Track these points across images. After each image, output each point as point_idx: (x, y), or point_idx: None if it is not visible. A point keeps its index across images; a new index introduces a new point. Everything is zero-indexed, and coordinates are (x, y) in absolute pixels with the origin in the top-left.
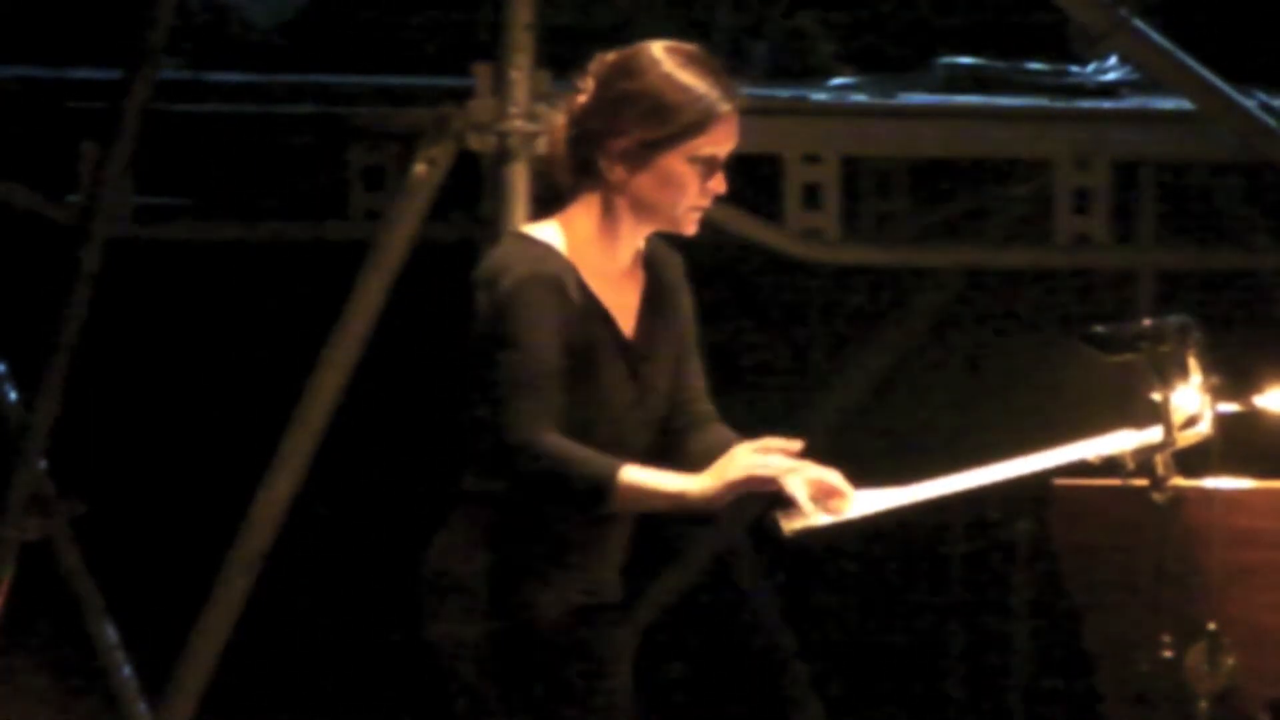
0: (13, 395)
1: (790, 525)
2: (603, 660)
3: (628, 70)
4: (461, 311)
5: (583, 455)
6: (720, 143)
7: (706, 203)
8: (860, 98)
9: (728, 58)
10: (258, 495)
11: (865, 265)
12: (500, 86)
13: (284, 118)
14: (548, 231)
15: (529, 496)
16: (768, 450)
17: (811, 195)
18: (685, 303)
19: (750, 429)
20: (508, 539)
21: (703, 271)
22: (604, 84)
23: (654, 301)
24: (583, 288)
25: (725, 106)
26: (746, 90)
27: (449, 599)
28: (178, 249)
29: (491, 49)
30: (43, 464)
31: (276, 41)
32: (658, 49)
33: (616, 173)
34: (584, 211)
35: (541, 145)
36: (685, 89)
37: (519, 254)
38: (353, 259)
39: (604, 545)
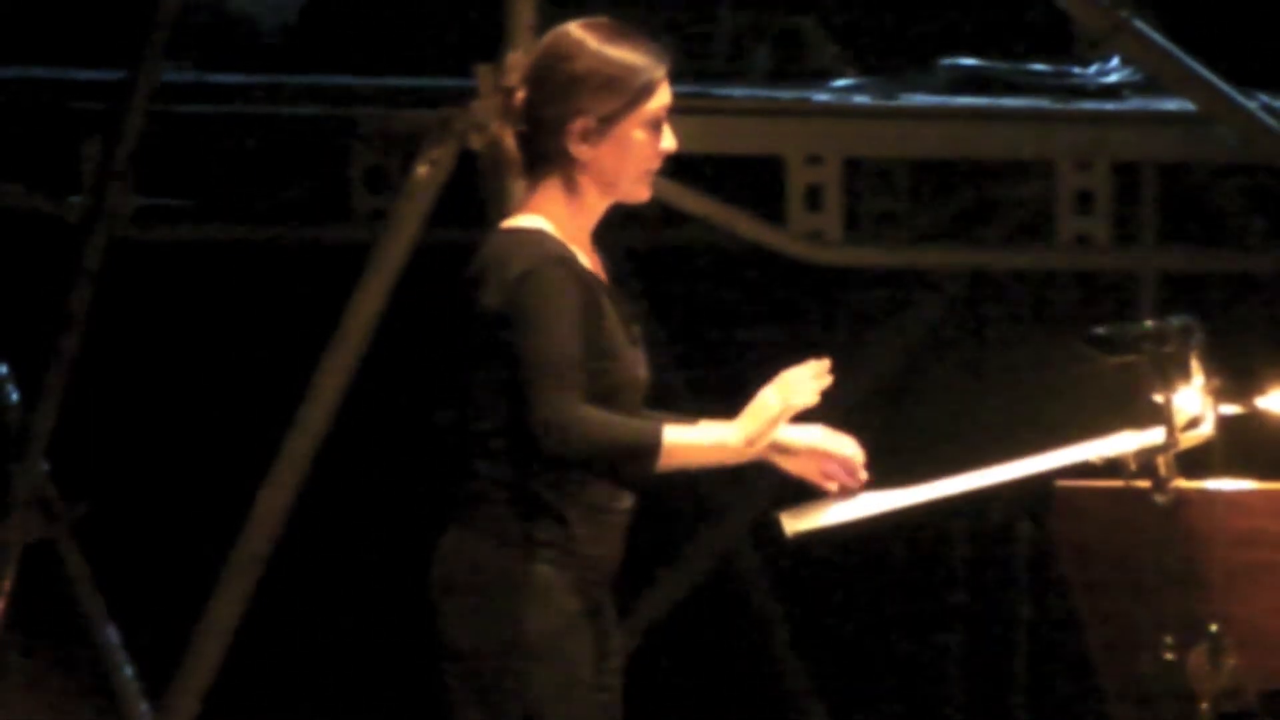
0: (14, 397)
1: (793, 526)
2: (602, 658)
3: (562, 55)
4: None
5: (621, 422)
6: (663, 103)
7: (659, 164)
8: (862, 99)
9: (730, 59)
10: (259, 497)
11: (867, 266)
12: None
13: (286, 119)
14: (531, 220)
15: (581, 470)
16: (787, 385)
17: (814, 196)
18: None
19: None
20: (514, 536)
21: (704, 272)
22: (543, 74)
23: (609, 275)
24: (581, 265)
25: (661, 68)
26: (749, 92)
27: (456, 597)
28: (180, 250)
29: (493, 50)
30: (44, 466)
31: (278, 43)
32: (577, 30)
33: (582, 151)
34: (550, 197)
35: (484, 140)
36: (623, 60)
37: (517, 244)
38: (355, 260)
39: (607, 539)
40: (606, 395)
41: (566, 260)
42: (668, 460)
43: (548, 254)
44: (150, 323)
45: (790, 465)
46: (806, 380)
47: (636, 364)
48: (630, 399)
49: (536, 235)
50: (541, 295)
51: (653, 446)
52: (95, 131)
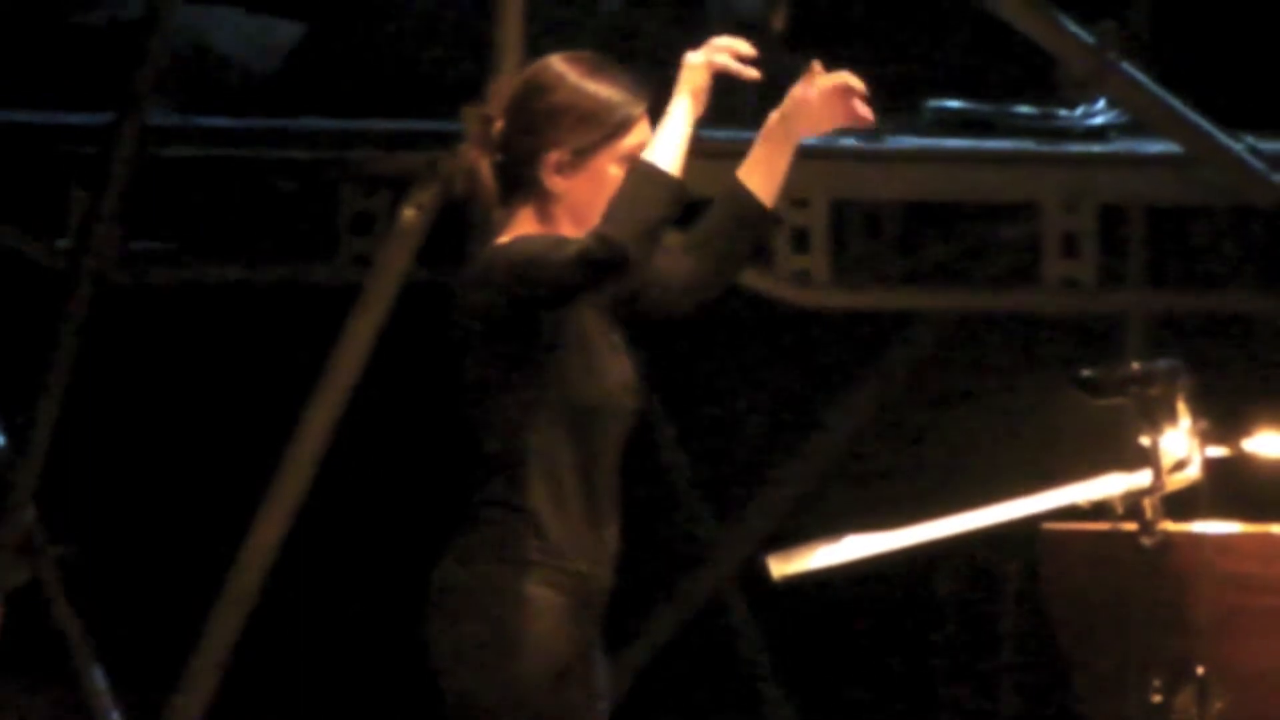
0: (1, 440)
1: (781, 569)
2: (590, 696)
3: (541, 87)
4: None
5: (618, 200)
6: (641, 140)
7: None
8: (848, 141)
9: (716, 101)
10: (248, 537)
11: (854, 309)
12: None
13: (273, 162)
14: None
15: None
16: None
17: (800, 239)
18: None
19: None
20: (508, 555)
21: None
22: (521, 105)
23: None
24: None
25: (639, 105)
26: (735, 135)
27: (451, 621)
28: (168, 293)
29: (481, 93)
30: (32, 509)
31: (265, 86)
32: (559, 62)
33: (556, 183)
34: (525, 227)
35: (464, 182)
36: (601, 94)
37: (496, 252)
38: (343, 302)
39: (598, 560)
40: (590, 404)
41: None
42: (674, 164)
43: (512, 241)
44: (138, 365)
45: (812, 118)
46: (728, 44)
47: (619, 370)
48: (616, 406)
49: (509, 243)
50: (509, 249)
51: (655, 177)
52: (83, 175)
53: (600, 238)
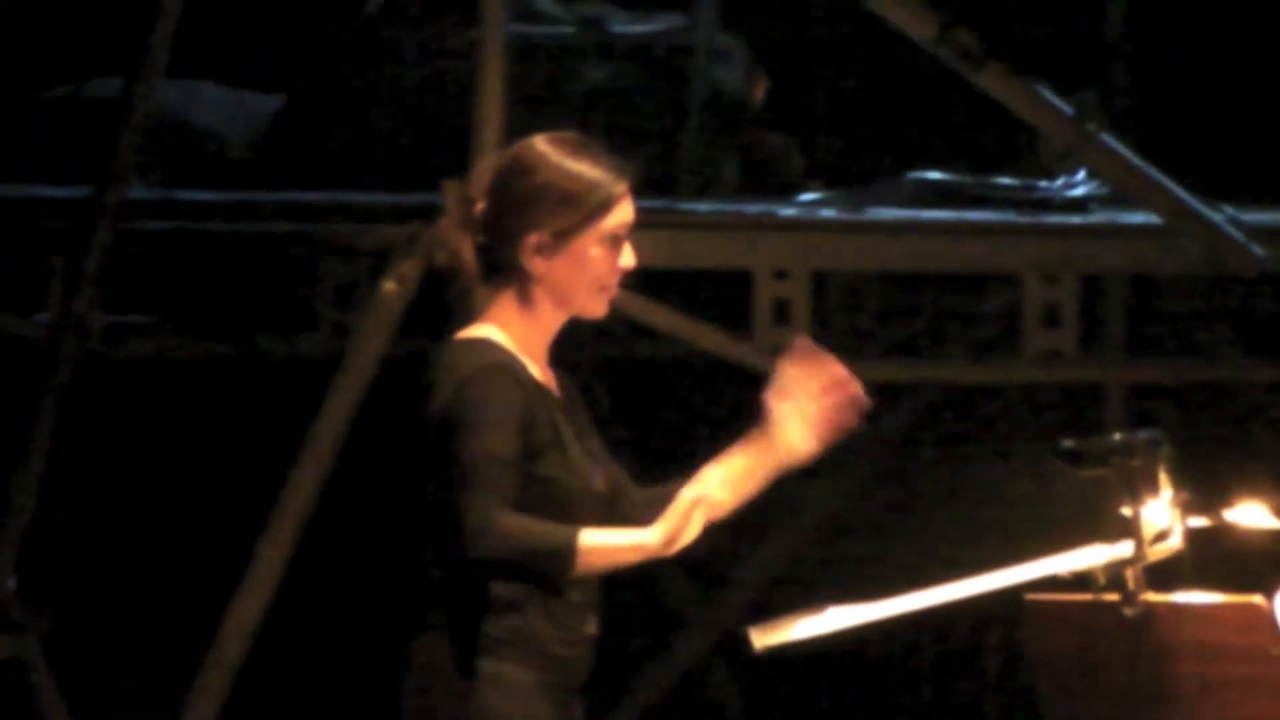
0: None
1: (762, 641)
2: None
3: (522, 169)
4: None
5: (540, 527)
6: (622, 220)
7: (616, 280)
8: (829, 213)
9: (697, 173)
10: (230, 608)
11: None
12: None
13: (254, 235)
14: (483, 330)
15: (494, 577)
16: (705, 481)
17: (780, 310)
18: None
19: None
20: (478, 636)
21: (673, 385)
22: (502, 186)
23: (566, 391)
24: (529, 374)
25: (621, 185)
26: (716, 206)
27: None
28: (148, 366)
29: (461, 166)
30: (12, 581)
31: (245, 159)
32: (541, 143)
33: (537, 265)
34: (505, 309)
35: (444, 255)
36: (582, 176)
37: (463, 352)
38: (323, 374)
39: (573, 642)
40: (559, 506)
41: (509, 367)
42: (585, 563)
43: (489, 361)
44: (119, 438)
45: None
46: (723, 478)
47: (592, 477)
48: (586, 512)
49: (481, 344)
50: (477, 399)
51: (568, 550)
52: (63, 249)
53: (480, 542)
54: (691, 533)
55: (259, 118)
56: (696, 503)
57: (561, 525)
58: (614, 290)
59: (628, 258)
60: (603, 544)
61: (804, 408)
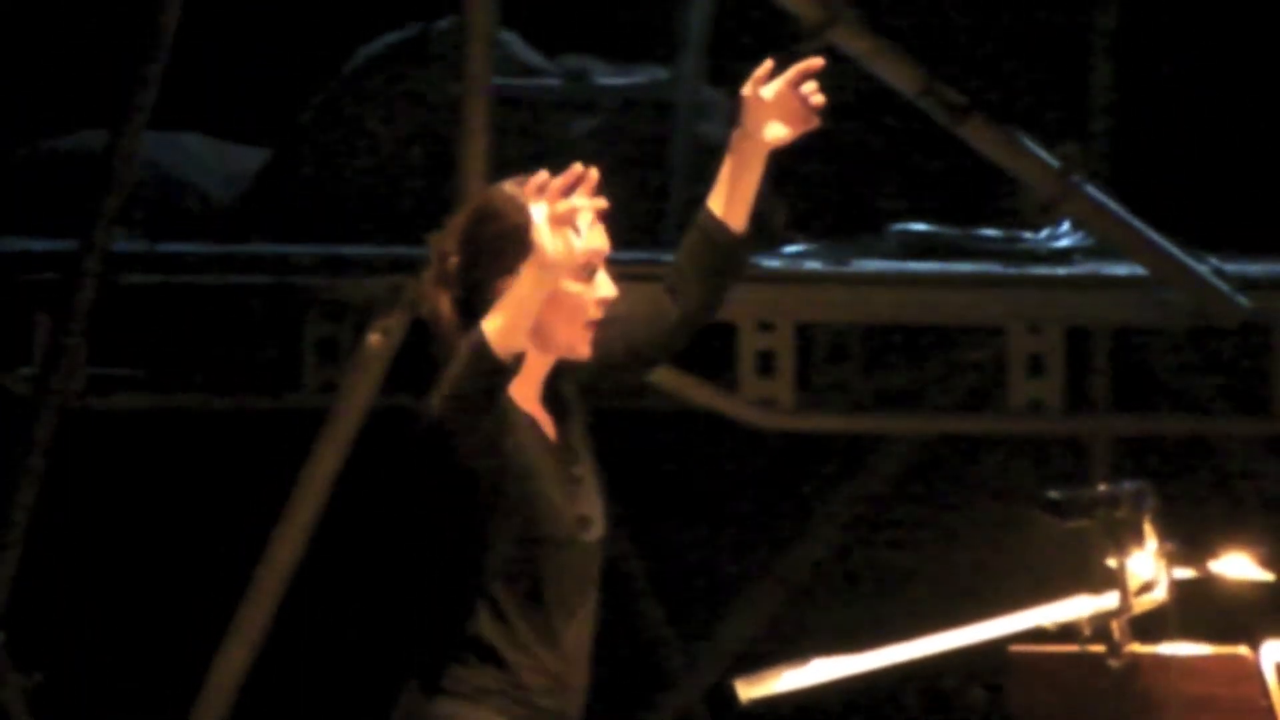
0: None
1: (748, 692)
2: None
3: (487, 215)
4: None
5: (453, 364)
6: (593, 249)
7: (599, 313)
8: (813, 264)
9: (681, 225)
10: (215, 664)
11: (819, 432)
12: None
13: (237, 288)
14: None
15: (481, 622)
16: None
17: (765, 362)
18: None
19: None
20: (463, 687)
21: (660, 442)
22: (470, 237)
23: (564, 436)
24: (516, 405)
25: (586, 215)
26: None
27: None
28: (132, 420)
29: (445, 217)
30: None
31: (230, 212)
32: (504, 188)
33: None
34: None
35: (426, 310)
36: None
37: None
38: (308, 428)
39: (558, 691)
40: (538, 536)
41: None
42: (502, 334)
43: None
44: (103, 492)
45: (769, 122)
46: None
47: (577, 503)
48: (567, 538)
49: None
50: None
51: (480, 342)
52: (47, 302)
53: (429, 410)
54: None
55: (243, 170)
56: (544, 224)
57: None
58: (596, 324)
59: (605, 287)
60: (497, 314)
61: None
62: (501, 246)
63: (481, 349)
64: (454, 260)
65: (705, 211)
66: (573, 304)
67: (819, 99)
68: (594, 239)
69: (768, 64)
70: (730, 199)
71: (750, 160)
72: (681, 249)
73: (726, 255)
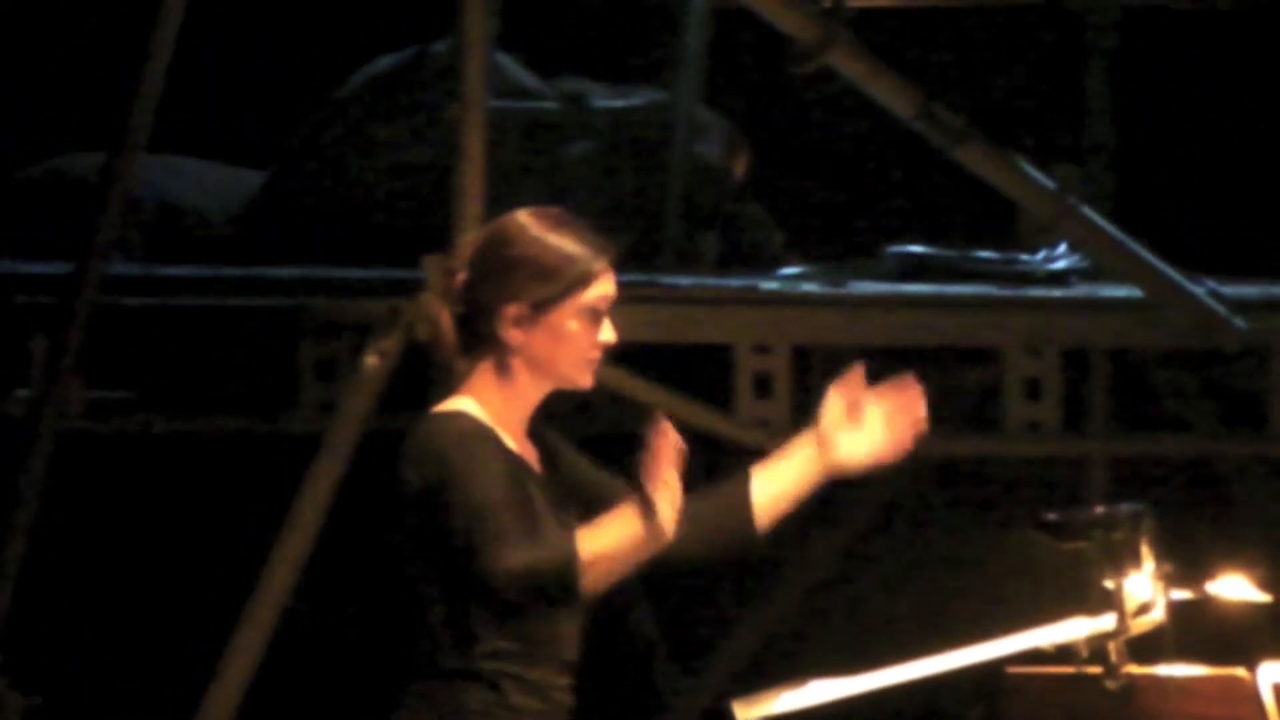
0: None
1: (745, 714)
2: None
3: (502, 240)
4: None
5: (540, 554)
6: (602, 294)
7: (598, 354)
8: (810, 287)
9: (678, 247)
10: (210, 688)
11: None
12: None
13: (234, 310)
14: (459, 403)
15: (472, 650)
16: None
17: (762, 384)
18: (572, 455)
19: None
20: (459, 713)
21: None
22: (482, 258)
23: (549, 460)
24: (506, 446)
25: (601, 260)
26: (696, 280)
27: None
28: (129, 442)
29: (442, 241)
30: None
31: (226, 234)
32: (523, 216)
33: (514, 336)
34: (484, 381)
35: (426, 329)
36: (561, 249)
37: (442, 423)
38: (304, 450)
39: (556, 703)
40: None
41: (487, 435)
42: (594, 575)
43: (468, 428)
44: (101, 515)
45: (847, 451)
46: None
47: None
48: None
49: (458, 416)
50: (462, 458)
51: (568, 566)
52: (43, 325)
53: (500, 585)
54: (668, 506)
55: (240, 193)
56: (659, 477)
57: (560, 541)
58: (596, 364)
59: (608, 333)
60: (596, 548)
61: (860, 418)
62: (510, 272)
63: (570, 577)
64: (461, 278)
65: (742, 487)
66: (573, 342)
67: (922, 420)
68: (603, 287)
69: (860, 368)
70: (773, 501)
71: (810, 475)
72: (700, 506)
73: (733, 537)
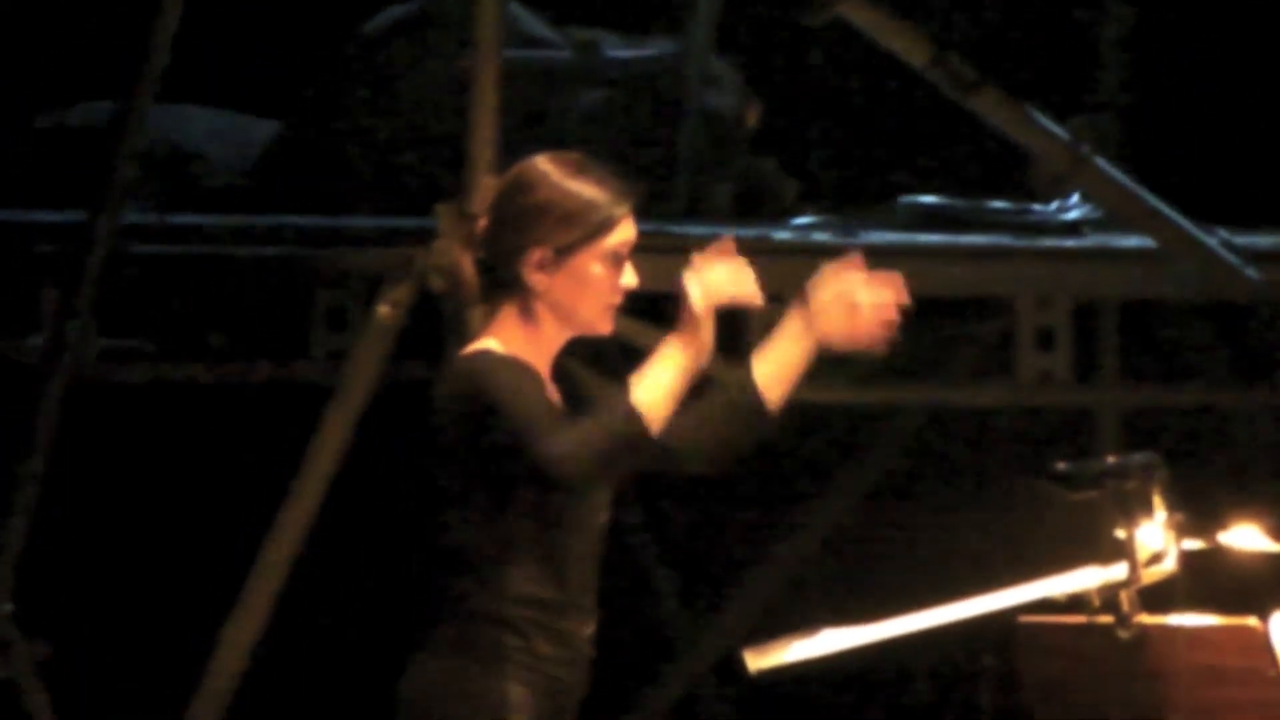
0: None
1: (757, 663)
2: None
3: (524, 186)
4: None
5: (597, 420)
6: (624, 239)
7: (619, 299)
8: (822, 237)
9: (690, 197)
10: (223, 635)
11: (829, 403)
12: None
13: (247, 260)
14: (484, 344)
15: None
16: (698, 270)
17: None
18: (591, 379)
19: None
20: (482, 653)
21: None
22: (505, 203)
23: (572, 399)
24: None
25: (623, 205)
26: (709, 230)
27: (423, 710)
28: (142, 390)
29: (455, 190)
30: (8, 607)
31: (240, 184)
32: (544, 162)
33: (538, 281)
34: (507, 325)
35: (439, 279)
36: (583, 194)
37: (476, 362)
38: (317, 400)
39: (572, 663)
40: (556, 512)
41: (521, 363)
42: (656, 412)
43: (499, 359)
44: (113, 463)
45: (833, 329)
46: (715, 259)
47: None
48: (579, 519)
49: (486, 353)
50: (498, 382)
51: (635, 414)
52: (57, 274)
53: (567, 469)
54: (708, 327)
55: (252, 142)
56: (704, 294)
57: (609, 403)
58: (616, 309)
59: (629, 277)
60: (650, 386)
61: (845, 299)
62: (533, 217)
63: (639, 428)
64: (483, 224)
65: (744, 378)
66: (595, 286)
67: (893, 311)
68: (625, 232)
69: (857, 256)
70: (776, 377)
71: (803, 348)
72: (707, 402)
73: (749, 421)
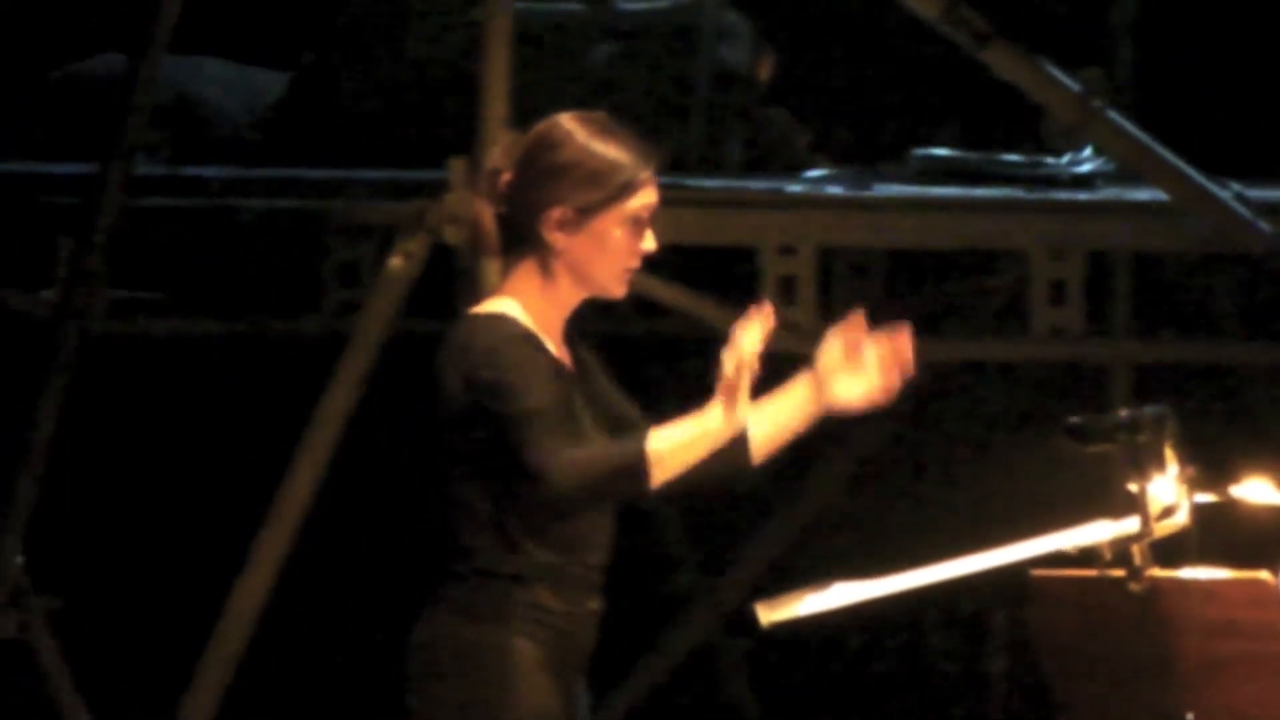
0: None
1: (769, 616)
2: None
3: (549, 143)
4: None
5: (605, 449)
6: (646, 202)
7: (637, 263)
8: (835, 189)
9: (703, 150)
10: (235, 589)
11: None
12: (475, 180)
13: (259, 212)
14: (500, 304)
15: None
16: (735, 344)
17: (787, 287)
18: (602, 377)
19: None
20: (489, 611)
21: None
22: (529, 159)
23: (583, 370)
24: (547, 350)
25: (646, 168)
26: (722, 183)
27: (434, 677)
28: (153, 343)
29: (466, 143)
30: (19, 559)
31: (251, 136)
32: (569, 120)
33: (558, 239)
34: (524, 281)
35: (457, 232)
36: (608, 155)
37: (480, 327)
38: (329, 352)
39: (581, 618)
40: None
41: (532, 339)
42: (662, 470)
43: (510, 333)
44: (125, 416)
45: (842, 392)
46: (751, 329)
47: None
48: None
49: (500, 319)
50: (507, 362)
51: (641, 463)
52: (68, 226)
53: (556, 480)
54: (745, 405)
55: (265, 94)
56: (740, 367)
57: (628, 440)
58: (631, 273)
59: (649, 241)
60: (673, 445)
61: (853, 361)
62: (557, 175)
63: (639, 476)
64: (506, 178)
65: (739, 434)
66: (615, 248)
67: (909, 362)
68: (647, 195)
69: (860, 314)
70: (768, 437)
71: (805, 413)
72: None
73: (725, 474)
